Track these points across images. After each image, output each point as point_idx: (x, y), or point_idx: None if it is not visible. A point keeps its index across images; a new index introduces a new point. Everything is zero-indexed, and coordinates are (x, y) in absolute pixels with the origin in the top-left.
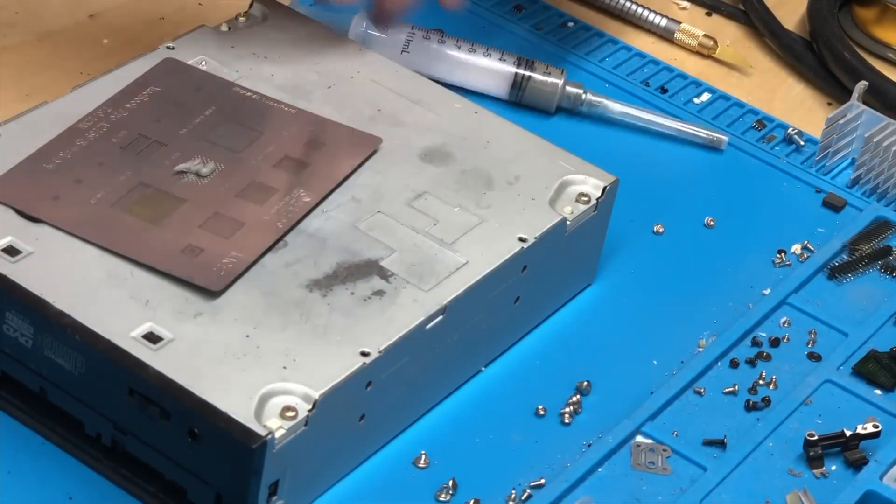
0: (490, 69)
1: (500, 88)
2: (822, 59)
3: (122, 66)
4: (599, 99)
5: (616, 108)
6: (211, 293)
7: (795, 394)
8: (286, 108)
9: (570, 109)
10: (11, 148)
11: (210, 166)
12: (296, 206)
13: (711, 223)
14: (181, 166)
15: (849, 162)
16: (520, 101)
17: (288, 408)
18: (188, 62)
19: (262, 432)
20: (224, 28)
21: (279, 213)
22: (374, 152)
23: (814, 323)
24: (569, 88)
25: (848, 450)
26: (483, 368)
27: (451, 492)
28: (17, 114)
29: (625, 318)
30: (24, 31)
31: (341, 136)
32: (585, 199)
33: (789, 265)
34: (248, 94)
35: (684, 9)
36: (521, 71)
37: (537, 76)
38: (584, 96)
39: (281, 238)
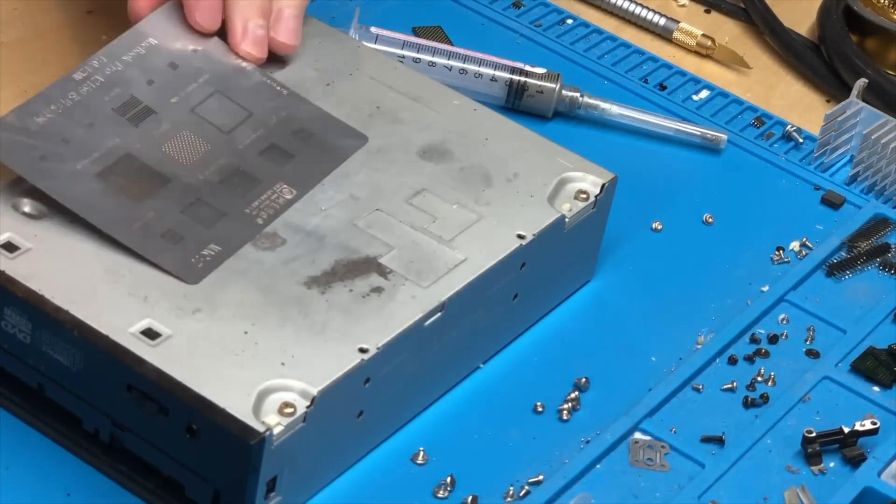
0: (481, 92)
1: (496, 100)
2: (828, 57)
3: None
4: (596, 102)
5: (614, 109)
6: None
7: (794, 391)
8: (278, 88)
9: (567, 113)
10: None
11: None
12: (278, 201)
13: (710, 220)
14: None
15: (847, 159)
16: (516, 108)
17: (286, 404)
18: None
19: (261, 429)
20: None
21: (261, 206)
22: (358, 149)
23: (812, 320)
24: (565, 93)
25: (846, 446)
26: (481, 365)
27: (449, 488)
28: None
29: (623, 314)
30: (22, 27)
31: (329, 129)
32: (584, 196)
33: (788, 262)
34: (244, 65)
35: (683, 6)
36: (515, 82)
37: (531, 91)
38: (580, 99)
39: (260, 233)
